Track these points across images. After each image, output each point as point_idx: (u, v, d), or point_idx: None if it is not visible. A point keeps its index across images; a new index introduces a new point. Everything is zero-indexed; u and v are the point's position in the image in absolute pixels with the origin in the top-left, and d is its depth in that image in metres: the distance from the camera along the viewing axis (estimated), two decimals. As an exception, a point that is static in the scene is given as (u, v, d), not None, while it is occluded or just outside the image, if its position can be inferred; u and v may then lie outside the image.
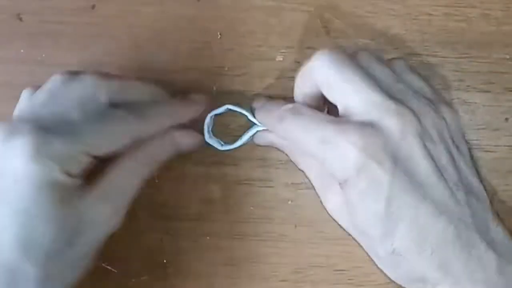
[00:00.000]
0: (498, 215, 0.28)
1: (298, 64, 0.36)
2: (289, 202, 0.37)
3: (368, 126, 0.26)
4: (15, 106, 0.37)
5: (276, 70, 0.36)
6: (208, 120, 0.35)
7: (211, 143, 0.35)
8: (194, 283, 0.37)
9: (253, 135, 0.34)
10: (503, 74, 0.36)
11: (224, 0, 0.37)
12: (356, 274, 0.36)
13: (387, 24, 0.36)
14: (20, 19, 0.37)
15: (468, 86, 0.36)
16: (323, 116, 0.29)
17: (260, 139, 0.34)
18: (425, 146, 0.27)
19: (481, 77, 0.36)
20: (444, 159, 0.27)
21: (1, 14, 0.37)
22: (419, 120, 0.27)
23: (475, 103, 0.36)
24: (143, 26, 0.37)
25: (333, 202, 0.30)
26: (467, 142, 0.30)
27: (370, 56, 0.30)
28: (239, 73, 0.37)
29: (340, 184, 0.28)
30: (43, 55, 0.37)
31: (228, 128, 0.36)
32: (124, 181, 0.31)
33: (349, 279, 0.36)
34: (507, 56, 0.36)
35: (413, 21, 0.36)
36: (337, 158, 0.27)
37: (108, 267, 0.36)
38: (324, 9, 0.36)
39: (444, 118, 0.29)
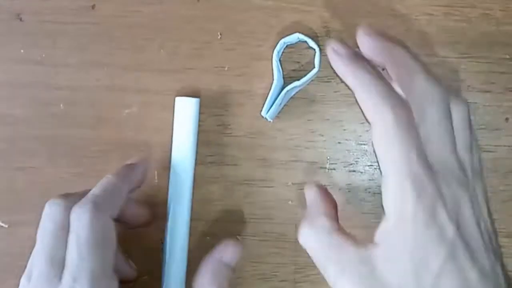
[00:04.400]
0: None
1: (298, 64, 0.36)
2: (289, 202, 0.37)
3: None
4: (15, 106, 0.37)
5: (276, 70, 0.36)
6: (279, 47, 0.35)
7: (275, 70, 0.35)
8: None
9: (311, 78, 0.35)
10: (503, 74, 0.36)
11: (224, 0, 0.37)
12: (356, 274, 0.36)
13: (387, 24, 0.36)
14: (20, 19, 0.37)
15: (468, 86, 0.36)
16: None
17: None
18: (478, 223, 0.27)
19: (481, 77, 0.36)
20: (486, 236, 0.27)
21: (1, 14, 0.37)
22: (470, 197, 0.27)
23: (475, 103, 0.36)
24: (143, 26, 0.37)
25: (352, 275, 0.27)
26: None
27: (440, 113, 0.28)
28: (239, 73, 0.37)
29: (385, 220, 0.27)
30: (43, 55, 0.37)
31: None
32: None
33: (349, 279, 0.36)
34: (507, 56, 0.36)
35: (413, 21, 0.36)
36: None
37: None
38: (324, 9, 0.36)
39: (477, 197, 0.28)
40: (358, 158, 0.36)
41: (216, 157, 0.37)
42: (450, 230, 0.26)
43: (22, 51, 0.37)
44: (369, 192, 0.37)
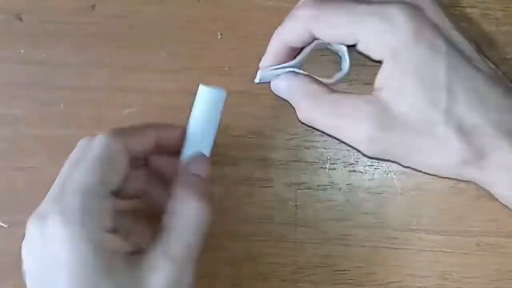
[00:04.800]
0: None
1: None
2: (289, 202, 0.37)
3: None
4: (15, 106, 0.37)
5: (276, 70, 0.36)
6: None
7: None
8: (194, 283, 0.36)
9: (312, 49, 0.33)
10: (503, 74, 0.36)
11: (224, 0, 0.37)
12: (356, 274, 0.36)
13: (387, 24, 0.36)
14: (20, 19, 0.37)
15: (468, 86, 0.36)
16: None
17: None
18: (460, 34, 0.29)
19: (481, 77, 0.36)
20: (474, 45, 0.30)
21: (1, 14, 0.37)
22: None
23: (475, 103, 0.36)
24: (143, 26, 0.37)
25: (367, 117, 0.28)
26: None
27: None
28: (239, 73, 0.37)
29: (383, 61, 0.28)
30: (43, 55, 0.37)
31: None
32: (189, 226, 0.28)
33: (349, 279, 0.36)
34: (507, 56, 0.36)
35: (413, 21, 0.36)
36: (383, 29, 0.27)
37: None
38: (324, 9, 0.36)
39: None
40: (358, 158, 0.36)
41: (216, 157, 0.36)
42: (440, 43, 0.27)
43: (22, 51, 0.37)
44: (369, 192, 0.37)
